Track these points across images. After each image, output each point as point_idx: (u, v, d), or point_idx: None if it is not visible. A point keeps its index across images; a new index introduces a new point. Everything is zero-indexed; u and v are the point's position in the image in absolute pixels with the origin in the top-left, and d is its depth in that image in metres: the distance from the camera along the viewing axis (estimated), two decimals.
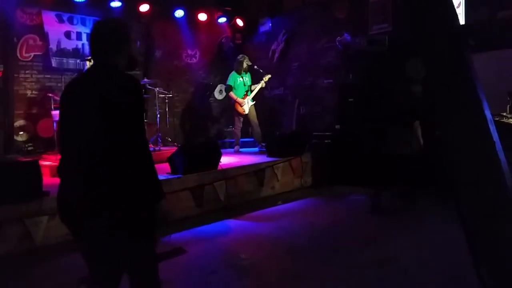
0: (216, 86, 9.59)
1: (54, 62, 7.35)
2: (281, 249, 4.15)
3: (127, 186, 1.87)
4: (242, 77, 7.78)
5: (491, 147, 1.60)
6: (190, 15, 8.86)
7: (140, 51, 8.52)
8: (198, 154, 5.68)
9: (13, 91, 6.96)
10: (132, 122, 1.91)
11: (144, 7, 8.03)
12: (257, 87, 7.85)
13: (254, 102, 7.83)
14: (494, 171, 1.59)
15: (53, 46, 7.35)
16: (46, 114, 6.97)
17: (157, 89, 7.79)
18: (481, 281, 1.65)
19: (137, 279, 2.04)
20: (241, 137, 8.06)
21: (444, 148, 1.70)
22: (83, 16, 7.52)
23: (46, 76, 7.38)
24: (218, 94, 9.61)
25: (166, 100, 8.04)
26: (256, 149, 7.94)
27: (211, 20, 9.19)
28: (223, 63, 9.48)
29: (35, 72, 7.29)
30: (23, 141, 6.97)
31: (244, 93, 7.75)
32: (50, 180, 4.73)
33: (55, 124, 6.41)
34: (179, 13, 8.62)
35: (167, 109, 8.08)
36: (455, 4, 5.85)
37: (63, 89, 2.55)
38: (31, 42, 7.20)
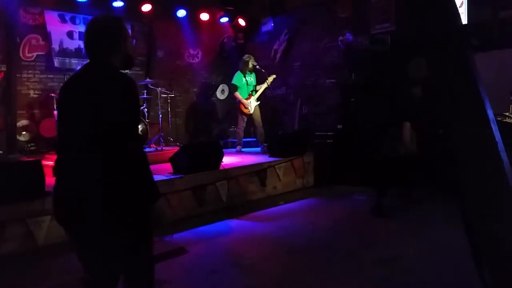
0: (218, 86, 9.56)
1: (56, 62, 7.35)
2: (283, 249, 4.15)
3: (121, 187, 1.84)
4: (247, 77, 7.73)
5: (494, 146, 1.60)
6: (192, 15, 8.85)
7: (142, 51, 8.54)
8: (200, 154, 5.67)
9: (15, 91, 6.96)
10: (126, 122, 1.88)
11: (146, 7, 8.01)
12: (262, 87, 7.81)
13: (259, 102, 7.80)
14: (496, 170, 1.59)
15: (55, 46, 7.36)
16: (48, 114, 7.01)
17: (159, 89, 7.81)
18: (483, 281, 1.65)
19: (131, 280, 2.03)
20: (243, 137, 8.03)
21: (446, 147, 1.70)
22: (86, 16, 7.50)
23: (48, 76, 7.39)
24: (220, 94, 9.60)
25: (168, 100, 8.05)
26: (258, 149, 7.92)
27: (213, 19, 9.18)
28: (225, 63, 9.49)
29: (37, 72, 7.30)
30: (25, 141, 6.98)
31: (249, 93, 7.71)
32: (52, 180, 4.69)
33: None
34: (181, 12, 8.61)
35: (169, 109, 8.09)
36: (458, 4, 5.83)
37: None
38: (33, 42, 7.21)
